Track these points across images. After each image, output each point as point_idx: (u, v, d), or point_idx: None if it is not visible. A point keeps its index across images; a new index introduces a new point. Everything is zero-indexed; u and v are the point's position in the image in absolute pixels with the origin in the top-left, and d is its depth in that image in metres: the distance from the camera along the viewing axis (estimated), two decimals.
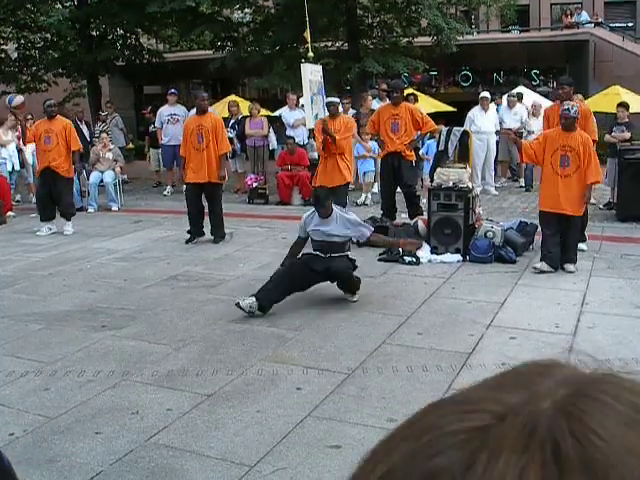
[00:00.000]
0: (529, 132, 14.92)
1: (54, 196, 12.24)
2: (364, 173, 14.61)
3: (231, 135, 16.10)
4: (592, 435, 0.45)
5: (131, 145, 19.89)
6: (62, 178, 12.24)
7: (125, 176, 17.58)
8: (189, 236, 11.09)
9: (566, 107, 8.81)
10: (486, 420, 0.48)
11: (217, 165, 10.99)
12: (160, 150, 17.29)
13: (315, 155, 15.75)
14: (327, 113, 11.08)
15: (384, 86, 15.62)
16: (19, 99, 12.49)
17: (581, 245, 9.62)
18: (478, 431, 0.47)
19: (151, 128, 17.73)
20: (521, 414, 0.47)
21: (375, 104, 15.15)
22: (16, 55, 22.02)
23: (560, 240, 8.92)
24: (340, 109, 11.47)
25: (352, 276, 7.70)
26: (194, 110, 12.09)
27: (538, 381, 0.51)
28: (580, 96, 13.70)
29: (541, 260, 8.94)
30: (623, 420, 0.46)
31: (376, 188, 14.49)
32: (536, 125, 14.23)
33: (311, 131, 15.12)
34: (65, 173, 12.28)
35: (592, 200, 10.45)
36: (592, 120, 10.07)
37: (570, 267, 8.84)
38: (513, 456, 0.45)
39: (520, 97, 16.50)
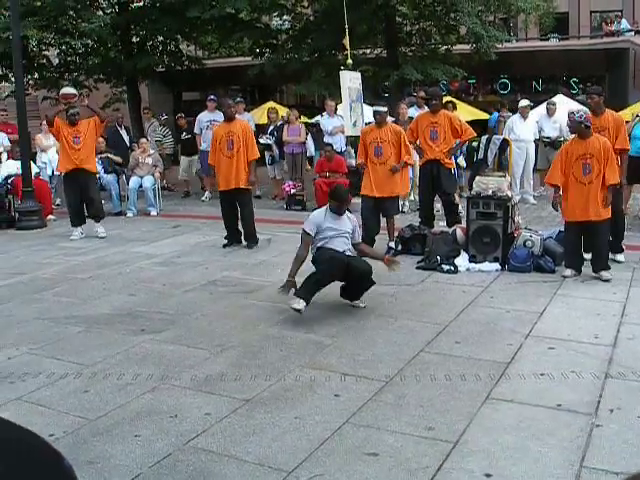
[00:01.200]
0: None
1: (86, 198, 12.34)
2: None
3: (270, 142, 16.19)
4: None
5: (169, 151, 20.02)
6: (93, 177, 12.48)
7: (164, 181, 17.73)
8: (226, 241, 11.22)
9: (571, 111, 8.82)
10: None
11: (247, 171, 11.04)
12: (195, 157, 17.42)
13: (353, 162, 15.77)
14: (366, 120, 11.10)
15: (422, 94, 15.59)
16: (67, 89, 12.98)
17: (618, 257, 9.53)
18: None
19: (183, 135, 17.81)
20: None
21: (413, 112, 15.12)
22: (57, 61, 22.27)
23: (591, 247, 8.94)
24: (389, 119, 11.39)
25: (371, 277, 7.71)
26: None
27: None
28: None
29: (567, 267, 9.07)
30: None
31: (412, 196, 14.46)
32: None
33: (348, 138, 15.18)
34: (94, 169, 12.55)
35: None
36: (625, 129, 9.96)
37: (606, 275, 8.78)
38: None
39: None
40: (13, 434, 0.74)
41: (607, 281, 8.69)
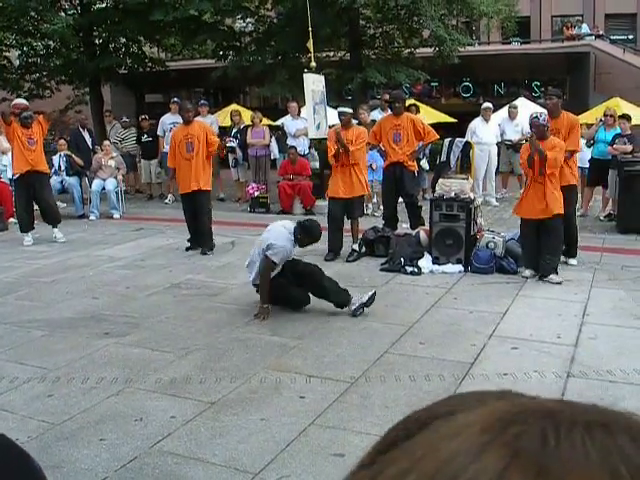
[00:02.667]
0: None
1: (42, 202, 12.25)
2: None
3: (233, 144, 16.16)
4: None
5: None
6: (46, 178, 12.43)
7: (123, 184, 17.61)
8: (189, 244, 11.15)
9: (534, 115, 8.96)
10: None
11: (207, 172, 11.01)
12: (155, 161, 17.36)
13: (316, 165, 15.81)
14: (328, 123, 11.13)
15: (386, 96, 15.67)
16: (20, 100, 13.28)
17: (571, 261, 9.63)
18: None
19: (144, 138, 17.71)
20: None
21: (377, 114, 15.17)
22: (18, 62, 22.05)
23: (543, 248, 9.04)
24: (353, 121, 11.41)
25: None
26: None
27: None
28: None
29: (525, 268, 9.18)
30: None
31: (375, 198, 14.50)
32: None
33: (312, 141, 15.21)
34: (47, 170, 12.55)
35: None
36: (578, 131, 10.03)
37: (554, 278, 8.88)
38: None
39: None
40: None
41: (558, 284, 8.78)
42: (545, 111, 9.14)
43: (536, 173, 8.76)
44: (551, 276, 8.90)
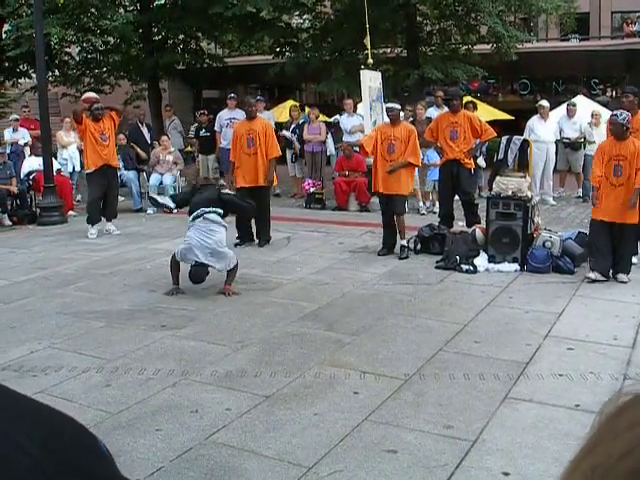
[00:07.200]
0: (590, 142, 14.73)
1: (109, 196, 12.47)
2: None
3: (288, 136, 16.24)
4: None
5: (189, 148, 20.05)
6: (116, 173, 12.81)
7: (181, 179, 17.80)
8: (238, 240, 11.13)
9: (614, 112, 8.75)
10: None
11: (266, 169, 11.08)
12: (213, 156, 17.51)
13: (371, 161, 15.76)
14: (385, 119, 11.09)
15: (440, 93, 15.58)
16: (90, 93, 13.54)
17: (633, 259, 9.44)
18: None
19: (202, 133, 17.86)
20: None
21: (432, 112, 15.09)
22: (78, 58, 22.39)
23: (613, 250, 8.86)
24: (402, 115, 11.35)
25: None
26: None
27: None
28: None
29: (592, 270, 8.90)
30: None
31: (431, 196, 14.40)
32: (598, 135, 14.01)
33: None
34: (118, 165, 12.99)
35: None
36: None
37: (623, 277, 8.76)
38: None
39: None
40: (55, 418, 0.76)
41: (623, 283, 8.67)
42: (620, 110, 8.87)
43: (612, 176, 8.62)
44: (620, 275, 8.79)
